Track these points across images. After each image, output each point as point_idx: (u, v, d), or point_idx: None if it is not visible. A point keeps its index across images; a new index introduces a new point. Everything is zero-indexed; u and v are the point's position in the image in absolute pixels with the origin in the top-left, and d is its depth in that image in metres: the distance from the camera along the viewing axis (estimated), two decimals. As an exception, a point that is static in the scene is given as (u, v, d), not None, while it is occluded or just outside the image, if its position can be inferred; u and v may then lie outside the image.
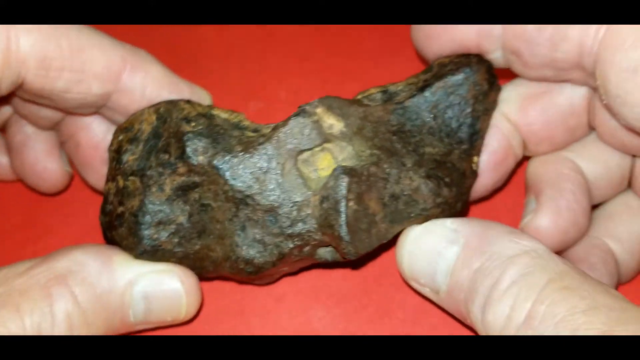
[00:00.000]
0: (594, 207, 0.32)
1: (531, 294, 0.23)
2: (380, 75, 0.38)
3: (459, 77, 0.29)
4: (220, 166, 0.27)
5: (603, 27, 0.25)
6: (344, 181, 0.26)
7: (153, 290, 0.27)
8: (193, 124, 0.27)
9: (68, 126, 0.32)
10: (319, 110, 0.27)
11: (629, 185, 0.31)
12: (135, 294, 0.27)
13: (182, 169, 0.27)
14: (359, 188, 0.26)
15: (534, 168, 0.31)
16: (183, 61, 0.35)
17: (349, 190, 0.26)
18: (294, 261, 0.28)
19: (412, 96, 0.29)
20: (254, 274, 0.28)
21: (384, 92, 0.30)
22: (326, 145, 0.27)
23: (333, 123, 0.27)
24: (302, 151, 0.27)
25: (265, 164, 0.27)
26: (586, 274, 0.24)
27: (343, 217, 0.26)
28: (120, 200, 0.28)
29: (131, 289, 0.27)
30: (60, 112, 0.31)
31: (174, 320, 0.29)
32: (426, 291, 0.27)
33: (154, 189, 0.27)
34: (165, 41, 0.39)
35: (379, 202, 0.27)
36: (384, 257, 0.33)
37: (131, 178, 0.28)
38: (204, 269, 0.29)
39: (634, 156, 0.31)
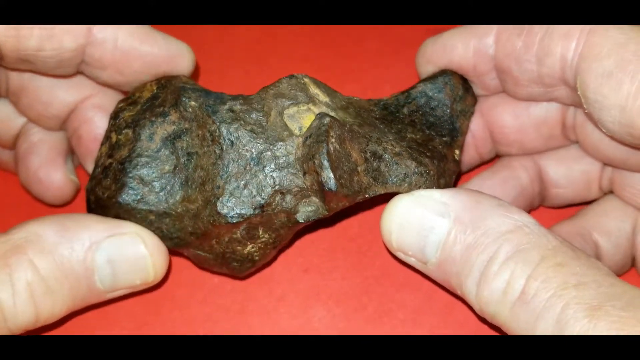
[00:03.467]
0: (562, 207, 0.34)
1: (526, 269, 0.23)
2: (380, 75, 0.38)
3: (436, 82, 0.31)
4: (211, 107, 0.28)
5: (582, 41, 0.26)
6: (326, 119, 0.26)
7: (116, 254, 0.27)
8: (189, 85, 0.29)
9: (72, 122, 0.33)
10: (306, 79, 0.28)
11: (612, 192, 0.33)
12: (98, 259, 0.27)
13: (173, 117, 0.28)
14: (341, 132, 0.27)
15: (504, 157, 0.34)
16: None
17: (330, 127, 0.26)
18: (274, 217, 0.28)
19: (394, 96, 0.31)
20: (229, 222, 0.27)
21: (370, 99, 0.31)
22: (311, 106, 0.28)
23: (319, 93, 0.28)
24: (288, 105, 0.28)
25: (253, 113, 0.28)
26: (576, 248, 0.24)
27: (325, 146, 0.26)
28: (110, 154, 0.29)
29: (93, 254, 0.27)
30: (63, 104, 0.32)
31: (145, 282, 0.28)
32: (412, 261, 0.27)
33: (143, 137, 0.28)
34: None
35: (360, 154, 0.27)
36: (384, 258, 0.33)
37: (125, 131, 0.29)
38: (184, 231, 0.28)
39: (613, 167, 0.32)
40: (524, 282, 0.23)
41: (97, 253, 0.27)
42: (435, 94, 0.31)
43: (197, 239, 0.28)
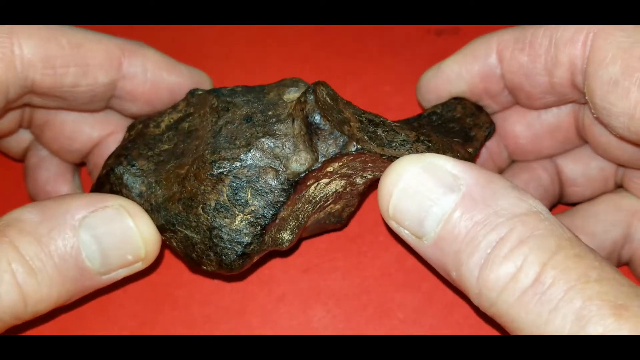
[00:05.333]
0: (577, 203, 0.33)
1: (542, 256, 0.22)
2: (381, 75, 0.38)
3: (448, 104, 0.31)
4: (212, 89, 0.29)
5: (587, 46, 0.26)
6: (319, 81, 0.27)
7: (100, 229, 0.26)
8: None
9: (95, 157, 0.33)
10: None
11: (622, 185, 0.32)
12: (83, 235, 0.26)
13: (181, 106, 0.30)
14: (335, 94, 0.27)
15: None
16: (183, 61, 0.35)
17: (321, 84, 0.26)
18: (263, 173, 0.27)
19: (406, 119, 0.31)
20: (218, 170, 0.27)
21: None
22: None
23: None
24: (290, 91, 0.28)
25: (252, 92, 0.29)
26: (586, 245, 0.23)
27: (311, 89, 0.26)
28: (119, 145, 0.30)
29: (77, 232, 0.25)
30: (85, 140, 0.33)
31: (137, 258, 0.27)
32: (405, 233, 0.25)
33: (151, 126, 0.30)
34: (166, 41, 0.39)
35: (354, 116, 0.27)
36: (384, 258, 0.33)
37: (137, 127, 0.30)
38: (172, 200, 0.27)
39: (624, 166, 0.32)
40: (538, 269, 0.22)
41: (81, 229, 0.26)
42: (447, 113, 0.31)
43: (184, 208, 0.27)
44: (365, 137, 0.27)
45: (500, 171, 0.34)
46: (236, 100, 0.28)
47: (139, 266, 0.27)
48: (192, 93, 0.30)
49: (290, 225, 0.28)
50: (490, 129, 0.31)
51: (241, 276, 0.33)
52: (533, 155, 0.32)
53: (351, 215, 0.31)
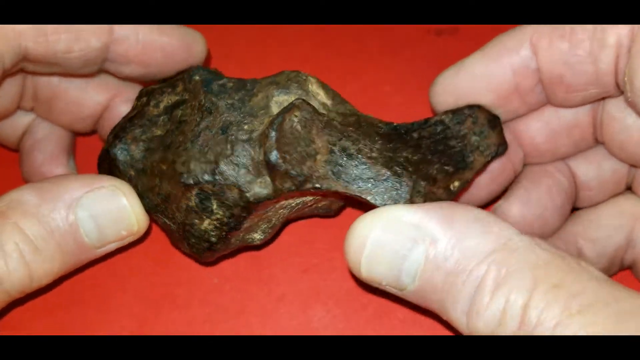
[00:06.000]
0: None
1: (520, 297, 0.22)
2: (381, 75, 0.38)
3: (459, 114, 0.28)
4: (208, 81, 0.29)
5: (637, 26, 0.24)
6: (298, 101, 0.26)
7: (97, 208, 0.28)
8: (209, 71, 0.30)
9: (107, 120, 0.34)
10: (311, 78, 0.28)
11: (630, 188, 0.31)
12: (80, 214, 0.27)
13: (180, 88, 0.30)
14: (311, 118, 0.26)
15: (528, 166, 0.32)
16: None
17: (298, 107, 0.26)
18: (227, 190, 0.27)
19: (412, 122, 0.29)
20: (186, 182, 0.27)
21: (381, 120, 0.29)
22: (305, 98, 0.27)
23: (320, 93, 0.28)
24: (279, 94, 0.28)
25: (241, 91, 0.28)
26: (565, 254, 0.23)
27: (279, 118, 0.26)
28: (125, 116, 0.31)
29: (75, 211, 0.27)
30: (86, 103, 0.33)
31: (130, 233, 0.29)
32: (386, 288, 0.25)
33: (152, 103, 0.30)
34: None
35: (326, 145, 0.26)
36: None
37: (142, 99, 0.31)
38: (153, 191, 0.29)
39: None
40: (521, 311, 0.22)
41: (78, 209, 0.27)
42: (454, 125, 0.28)
43: (162, 202, 0.29)
44: (330, 172, 0.26)
45: (516, 174, 0.32)
46: (220, 103, 0.28)
47: (130, 239, 0.30)
48: (190, 76, 0.29)
49: (261, 227, 0.30)
50: (498, 152, 0.29)
51: (216, 262, 0.33)
52: (548, 156, 0.31)
53: (341, 207, 0.32)
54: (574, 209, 0.32)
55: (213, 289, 0.32)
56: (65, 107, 0.33)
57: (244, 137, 0.27)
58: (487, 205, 0.32)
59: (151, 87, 0.31)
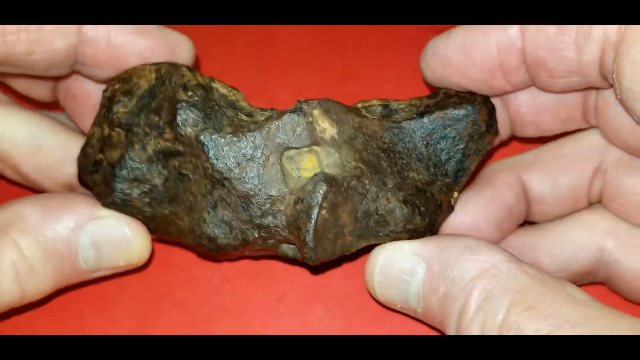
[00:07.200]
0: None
1: (496, 320, 0.23)
2: (380, 75, 0.38)
3: (460, 112, 0.29)
4: (206, 143, 0.26)
5: (625, 26, 0.24)
6: (322, 189, 0.26)
7: (100, 237, 0.27)
8: (190, 93, 0.27)
9: (63, 83, 0.31)
10: (315, 112, 0.27)
11: (600, 201, 0.31)
12: (83, 240, 0.27)
13: (168, 135, 0.27)
14: (335, 198, 0.26)
15: (486, 168, 0.32)
16: (183, 61, 0.35)
17: (324, 199, 0.26)
18: (256, 249, 0.28)
19: (411, 119, 0.29)
20: (215, 252, 0.28)
21: (385, 106, 0.29)
22: (314, 147, 0.27)
23: (326, 127, 0.27)
24: (289, 148, 0.27)
25: (250, 152, 0.27)
26: (547, 278, 0.24)
27: (313, 223, 0.26)
28: (102, 148, 0.28)
29: (77, 235, 0.27)
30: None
31: (128, 264, 0.29)
32: (404, 310, 0.28)
33: (136, 147, 0.27)
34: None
35: (351, 215, 0.27)
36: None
37: (117, 129, 0.28)
38: (168, 233, 0.29)
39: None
40: (497, 330, 0.23)
41: (81, 235, 0.27)
42: (455, 125, 0.29)
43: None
44: (355, 237, 0.28)
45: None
46: (231, 177, 0.27)
47: (128, 268, 0.29)
48: (179, 128, 0.27)
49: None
50: (490, 145, 0.30)
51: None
52: (532, 130, 0.31)
53: None
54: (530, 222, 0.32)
55: (213, 289, 0.32)
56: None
57: (269, 215, 0.27)
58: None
59: (128, 116, 0.28)
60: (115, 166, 0.28)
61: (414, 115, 0.29)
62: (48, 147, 0.30)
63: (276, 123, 0.27)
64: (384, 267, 0.27)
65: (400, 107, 0.29)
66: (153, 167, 0.28)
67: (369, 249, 0.28)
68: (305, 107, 0.27)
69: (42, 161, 0.30)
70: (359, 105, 0.29)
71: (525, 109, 0.30)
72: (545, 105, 0.30)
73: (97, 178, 0.28)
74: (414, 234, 0.28)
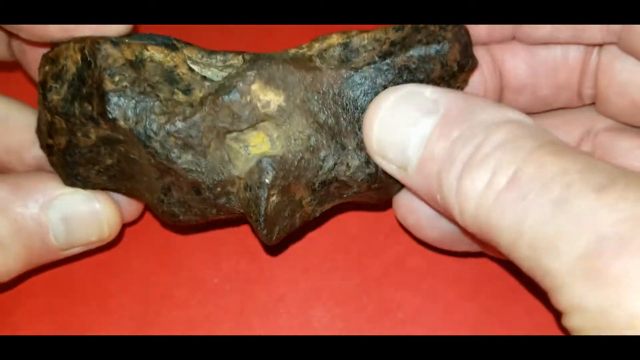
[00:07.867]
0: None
1: (517, 155, 0.20)
2: (380, 75, 0.38)
3: (427, 51, 0.26)
4: (142, 138, 0.25)
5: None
6: (268, 178, 0.25)
7: (70, 211, 0.28)
8: (117, 78, 0.25)
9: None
10: (254, 87, 0.25)
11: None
12: (52, 216, 0.27)
13: (105, 125, 0.25)
14: (285, 181, 0.25)
15: None
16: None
17: (271, 187, 0.25)
18: (221, 219, 0.28)
19: (372, 62, 0.26)
20: (179, 224, 0.28)
21: (345, 46, 0.27)
22: (261, 124, 0.25)
23: (271, 99, 0.25)
24: (231, 131, 0.25)
25: (189, 139, 0.25)
26: (576, 149, 0.21)
27: (262, 212, 0.25)
28: (50, 133, 0.27)
29: (46, 212, 0.27)
30: None
31: (101, 239, 0.29)
32: (392, 168, 0.25)
33: (79, 134, 0.26)
34: (166, 41, 0.39)
35: (307, 188, 0.26)
36: (384, 258, 0.33)
37: (57, 117, 0.26)
38: (135, 198, 0.29)
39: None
40: (514, 167, 0.20)
41: (51, 210, 0.27)
42: (423, 66, 0.26)
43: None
44: (317, 205, 0.27)
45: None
46: (175, 167, 0.25)
47: (99, 244, 0.29)
48: (112, 121, 0.25)
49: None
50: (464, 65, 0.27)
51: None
52: (527, 95, 0.29)
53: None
54: None
55: (213, 289, 0.32)
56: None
57: (221, 192, 0.26)
58: None
59: (63, 105, 0.26)
60: (65, 152, 0.27)
61: (376, 58, 0.26)
62: (17, 127, 0.30)
63: (213, 108, 0.25)
64: (393, 106, 0.24)
65: (362, 43, 0.27)
66: (102, 151, 0.26)
67: (340, 208, 0.27)
68: (241, 84, 0.25)
69: (11, 141, 0.30)
70: (316, 45, 0.27)
71: (521, 70, 0.29)
72: (545, 66, 0.28)
73: (54, 160, 0.28)
74: (382, 191, 0.27)
